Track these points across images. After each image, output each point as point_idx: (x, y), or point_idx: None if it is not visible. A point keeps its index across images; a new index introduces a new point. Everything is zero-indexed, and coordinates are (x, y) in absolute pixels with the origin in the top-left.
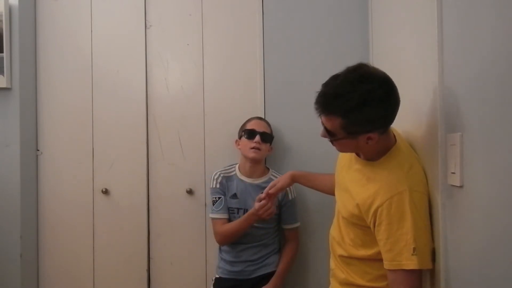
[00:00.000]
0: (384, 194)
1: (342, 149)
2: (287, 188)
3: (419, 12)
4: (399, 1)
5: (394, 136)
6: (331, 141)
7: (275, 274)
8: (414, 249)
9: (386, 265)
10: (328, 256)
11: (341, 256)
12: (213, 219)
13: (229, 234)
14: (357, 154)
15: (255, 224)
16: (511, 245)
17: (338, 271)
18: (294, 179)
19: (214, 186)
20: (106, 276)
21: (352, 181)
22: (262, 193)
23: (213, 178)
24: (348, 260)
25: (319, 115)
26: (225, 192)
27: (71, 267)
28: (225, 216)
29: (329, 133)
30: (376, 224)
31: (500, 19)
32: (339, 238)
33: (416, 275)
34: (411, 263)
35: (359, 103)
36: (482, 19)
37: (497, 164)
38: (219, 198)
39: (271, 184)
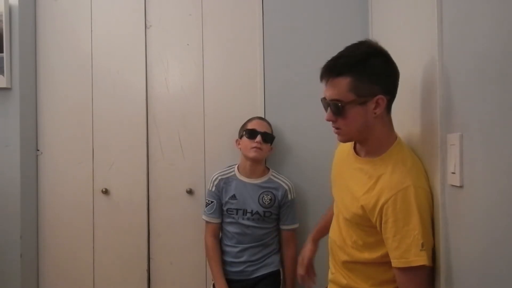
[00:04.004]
0: (388, 191)
1: (347, 129)
2: (287, 189)
3: (419, 13)
4: (399, 1)
5: (396, 134)
6: (336, 122)
7: (288, 284)
8: (423, 244)
9: (394, 263)
10: (328, 257)
11: (344, 262)
12: (205, 221)
13: (207, 254)
14: (356, 153)
15: (255, 224)
16: (511, 245)
17: (339, 276)
18: (315, 241)
19: (210, 188)
20: (106, 276)
21: (354, 181)
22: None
23: (211, 180)
24: (351, 265)
25: (325, 83)
26: (221, 196)
27: (71, 267)
28: (216, 220)
29: (336, 104)
30: (383, 222)
31: (499, 19)
32: (341, 242)
33: (426, 272)
34: (421, 259)
35: (364, 57)
36: (481, 18)
37: (497, 164)
38: (211, 202)
39: (300, 260)
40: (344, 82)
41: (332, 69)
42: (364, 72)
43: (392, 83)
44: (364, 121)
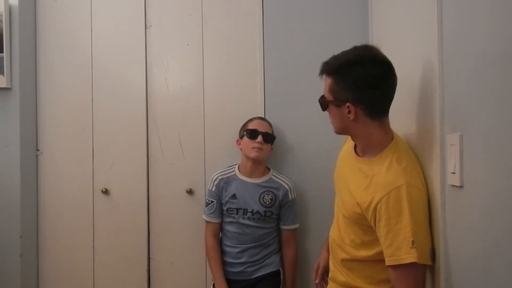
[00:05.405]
0: (382, 190)
1: (333, 124)
2: (288, 189)
3: (419, 13)
4: (399, 1)
5: (393, 134)
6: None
7: (288, 285)
8: (413, 242)
9: (387, 261)
10: (328, 256)
11: (343, 260)
12: (205, 221)
13: (208, 254)
14: (356, 153)
15: (256, 224)
16: (511, 245)
17: (338, 274)
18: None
19: (210, 188)
20: (106, 276)
21: (352, 180)
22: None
23: (212, 180)
24: (350, 263)
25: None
26: (220, 196)
27: (71, 267)
28: (216, 220)
29: (320, 100)
30: (377, 220)
31: (499, 19)
32: (339, 240)
33: (418, 270)
34: (411, 256)
35: (344, 64)
36: (481, 18)
37: (497, 164)
38: (211, 202)
39: (316, 268)
40: (328, 82)
41: (322, 68)
42: (341, 79)
43: (369, 94)
44: (342, 121)
